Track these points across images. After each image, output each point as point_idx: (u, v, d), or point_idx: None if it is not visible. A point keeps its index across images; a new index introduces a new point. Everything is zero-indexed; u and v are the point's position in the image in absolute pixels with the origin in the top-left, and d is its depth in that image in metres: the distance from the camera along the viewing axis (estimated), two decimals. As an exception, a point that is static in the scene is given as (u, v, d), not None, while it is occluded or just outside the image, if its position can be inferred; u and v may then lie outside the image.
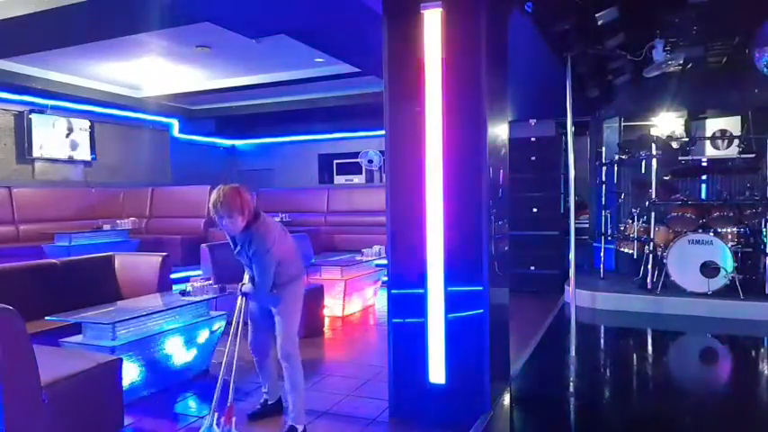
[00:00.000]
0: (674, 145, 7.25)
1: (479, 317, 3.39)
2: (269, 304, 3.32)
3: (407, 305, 3.53)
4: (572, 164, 5.77)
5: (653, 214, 6.75)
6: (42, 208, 9.12)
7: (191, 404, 3.91)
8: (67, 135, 9.95)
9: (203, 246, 6.08)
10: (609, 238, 7.80)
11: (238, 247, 3.20)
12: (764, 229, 6.36)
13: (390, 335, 3.60)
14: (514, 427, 3.59)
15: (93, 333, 3.66)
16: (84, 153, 10.21)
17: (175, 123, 12.15)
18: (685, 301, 6.29)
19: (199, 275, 5.57)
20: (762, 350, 5.48)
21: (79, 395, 2.93)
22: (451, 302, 3.42)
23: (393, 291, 3.58)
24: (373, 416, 3.55)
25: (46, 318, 3.78)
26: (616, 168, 8.12)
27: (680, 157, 7.20)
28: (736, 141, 7.10)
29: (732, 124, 7.46)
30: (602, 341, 5.92)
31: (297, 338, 3.32)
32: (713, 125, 7.69)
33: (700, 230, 6.53)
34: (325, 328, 5.87)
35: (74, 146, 10.04)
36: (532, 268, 7.84)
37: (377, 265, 6.99)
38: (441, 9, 3.35)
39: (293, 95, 10.81)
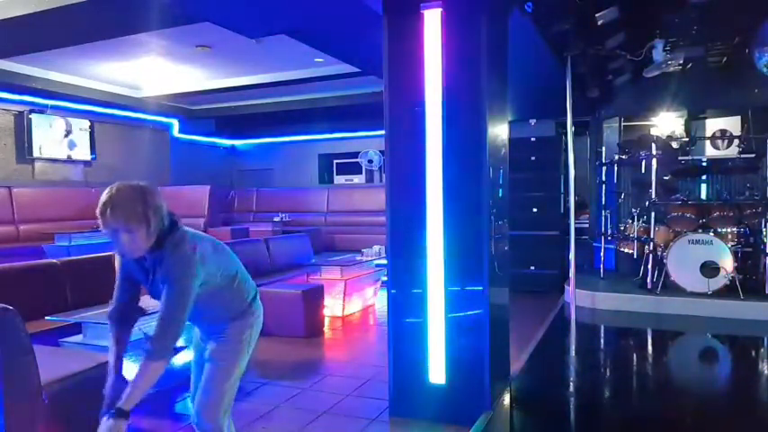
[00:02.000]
0: (674, 145, 7.25)
1: (479, 317, 3.39)
2: (206, 338, 2.35)
3: (407, 305, 3.53)
4: (572, 164, 5.78)
5: (653, 214, 6.75)
6: (42, 208, 9.11)
7: (191, 404, 3.90)
8: (67, 135, 9.95)
9: (203, 246, 6.07)
10: (609, 238, 7.80)
11: (151, 277, 2.13)
12: (764, 229, 6.36)
13: (390, 335, 3.60)
14: (514, 426, 3.59)
15: (93, 333, 3.66)
16: (84, 153, 10.21)
17: (175, 123, 12.15)
18: (685, 301, 6.29)
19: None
20: (762, 350, 5.47)
21: (79, 395, 2.93)
22: (451, 302, 3.41)
23: (393, 291, 3.58)
24: (373, 416, 3.55)
25: (46, 318, 3.78)
26: (616, 168, 8.12)
27: (680, 157, 7.20)
28: (736, 141, 7.10)
29: (732, 124, 7.46)
30: (602, 341, 5.92)
31: (226, 406, 2.30)
32: (713, 125, 7.69)
33: (700, 230, 6.53)
34: (325, 328, 5.87)
35: (74, 146, 10.04)
36: (532, 268, 7.84)
37: (377, 265, 6.99)
38: (441, 9, 3.35)
39: (293, 95, 10.81)
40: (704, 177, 7.65)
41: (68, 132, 9.95)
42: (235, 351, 2.31)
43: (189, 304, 2.08)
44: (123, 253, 2.10)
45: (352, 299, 6.54)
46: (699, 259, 6.32)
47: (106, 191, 2.06)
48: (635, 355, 5.45)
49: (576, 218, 5.89)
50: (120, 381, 2.23)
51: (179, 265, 2.06)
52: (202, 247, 2.15)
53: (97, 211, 2.04)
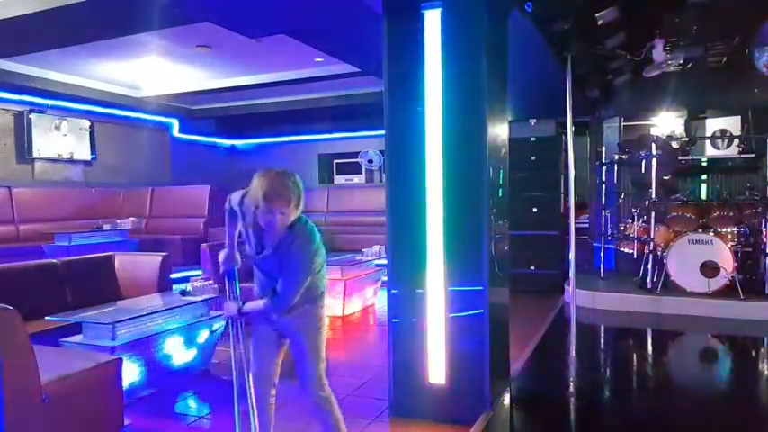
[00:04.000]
0: (674, 145, 7.25)
1: (479, 317, 3.39)
2: (287, 327, 2.67)
3: (407, 305, 3.53)
4: (572, 164, 5.76)
5: (653, 214, 6.74)
6: (42, 208, 9.12)
7: (191, 404, 3.91)
8: (67, 135, 9.95)
9: (203, 246, 6.09)
10: (609, 238, 7.80)
11: (268, 251, 2.48)
12: (764, 229, 6.36)
13: (390, 335, 3.60)
14: (514, 426, 3.59)
15: (93, 333, 3.66)
16: (84, 153, 10.21)
17: (175, 123, 12.15)
18: (685, 301, 6.29)
19: (199, 275, 5.57)
20: (762, 350, 5.48)
21: (79, 395, 2.93)
22: (451, 302, 3.41)
23: (393, 291, 3.58)
24: (373, 416, 3.55)
25: (46, 318, 3.78)
26: (616, 168, 8.12)
27: (680, 157, 7.20)
28: (736, 141, 7.10)
29: (732, 124, 7.46)
30: (602, 341, 5.92)
31: (326, 373, 2.70)
32: (713, 125, 7.69)
33: (700, 230, 6.53)
34: (326, 328, 5.86)
35: (73, 146, 10.04)
36: (532, 268, 7.84)
37: (377, 265, 6.98)
38: (441, 9, 3.35)
39: (293, 95, 10.81)
40: (704, 177, 7.65)
41: (69, 132, 9.95)
42: (321, 326, 2.71)
43: (307, 280, 2.48)
44: (271, 229, 2.39)
45: (352, 299, 6.53)
46: (699, 259, 6.32)
47: (263, 177, 2.36)
48: (635, 355, 5.45)
49: (576, 218, 5.87)
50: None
51: (306, 247, 2.44)
52: (318, 234, 2.52)
53: (260, 193, 2.31)
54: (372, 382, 4.16)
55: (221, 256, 2.75)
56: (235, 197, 2.63)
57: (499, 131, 3.68)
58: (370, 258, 6.89)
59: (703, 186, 7.74)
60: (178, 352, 4.09)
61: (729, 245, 6.37)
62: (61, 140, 9.84)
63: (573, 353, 5.17)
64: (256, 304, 2.55)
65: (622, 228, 7.70)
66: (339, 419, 2.67)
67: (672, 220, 6.95)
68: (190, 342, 4.18)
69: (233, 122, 12.82)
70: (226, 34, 6.09)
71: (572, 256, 5.57)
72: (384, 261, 6.11)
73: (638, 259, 7.11)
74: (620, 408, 3.99)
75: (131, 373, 3.67)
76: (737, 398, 4.19)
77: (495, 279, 3.48)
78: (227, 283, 2.72)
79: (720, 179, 7.52)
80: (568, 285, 6.12)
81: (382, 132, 3.62)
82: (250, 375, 2.70)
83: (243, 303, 2.62)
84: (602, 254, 7.69)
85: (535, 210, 7.89)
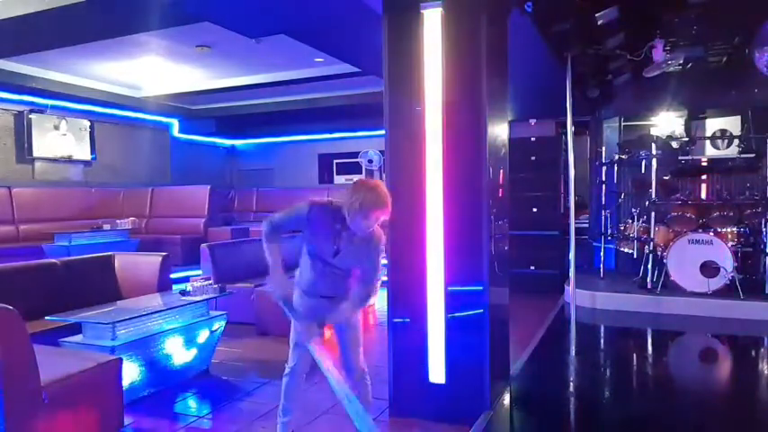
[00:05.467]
0: (674, 145, 7.24)
1: (479, 316, 3.39)
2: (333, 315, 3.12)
3: (407, 305, 3.53)
4: (572, 164, 5.77)
5: (653, 214, 6.75)
6: (42, 208, 9.12)
7: (191, 404, 3.91)
8: (67, 135, 9.95)
9: (203, 246, 6.09)
10: (609, 237, 7.80)
11: (348, 249, 2.82)
12: (764, 229, 6.36)
13: (390, 335, 3.61)
14: (514, 426, 3.59)
15: (93, 333, 3.66)
16: (84, 153, 10.22)
17: (175, 123, 12.16)
18: (685, 300, 6.29)
19: (199, 275, 5.57)
20: (762, 350, 5.48)
21: (79, 395, 2.94)
22: (451, 302, 3.41)
23: (393, 291, 3.58)
24: (373, 415, 3.54)
25: (46, 318, 3.78)
26: (616, 168, 8.11)
27: (680, 157, 7.20)
28: (736, 141, 7.10)
29: (732, 124, 7.46)
30: (602, 341, 5.92)
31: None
32: (713, 125, 7.69)
33: (700, 230, 6.53)
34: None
35: (73, 146, 10.05)
36: (532, 268, 7.84)
37: (377, 265, 6.97)
38: (441, 9, 3.35)
39: (293, 95, 10.81)
40: (704, 177, 7.65)
41: (69, 132, 9.95)
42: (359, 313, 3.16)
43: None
44: (363, 233, 2.70)
45: (352, 299, 6.52)
46: (699, 259, 6.32)
47: (376, 189, 2.63)
48: (635, 355, 5.45)
49: (576, 218, 5.87)
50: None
51: (382, 242, 2.82)
52: None
53: (376, 203, 2.58)
54: (372, 381, 4.13)
55: (274, 284, 3.08)
56: (290, 214, 3.06)
57: (499, 131, 3.68)
58: (370, 258, 6.88)
59: (703, 186, 7.73)
60: (178, 352, 4.09)
61: (729, 245, 6.37)
62: (61, 140, 9.84)
63: (573, 353, 5.17)
64: (353, 303, 3.00)
65: (622, 228, 7.70)
66: (369, 392, 3.17)
67: (672, 219, 6.94)
68: (190, 342, 4.18)
69: (233, 122, 12.82)
70: (226, 34, 6.10)
71: (572, 256, 5.58)
72: (384, 261, 6.10)
73: (638, 259, 7.11)
74: (619, 408, 3.99)
75: (131, 373, 3.67)
76: (737, 398, 4.19)
77: (494, 279, 3.48)
78: (285, 308, 3.12)
79: (720, 179, 7.50)
80: (568, 285, 6.13)
81: (382, 132, 3.62)
82: (289, 368, 3.21)
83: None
84: (602, 254, 7.69)
85: (535, 210, 7.90)
